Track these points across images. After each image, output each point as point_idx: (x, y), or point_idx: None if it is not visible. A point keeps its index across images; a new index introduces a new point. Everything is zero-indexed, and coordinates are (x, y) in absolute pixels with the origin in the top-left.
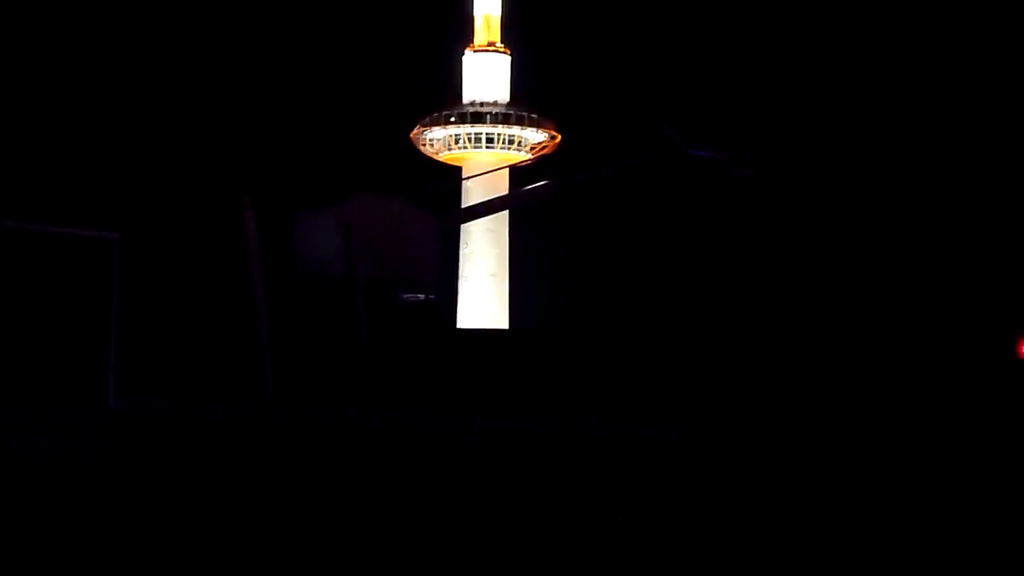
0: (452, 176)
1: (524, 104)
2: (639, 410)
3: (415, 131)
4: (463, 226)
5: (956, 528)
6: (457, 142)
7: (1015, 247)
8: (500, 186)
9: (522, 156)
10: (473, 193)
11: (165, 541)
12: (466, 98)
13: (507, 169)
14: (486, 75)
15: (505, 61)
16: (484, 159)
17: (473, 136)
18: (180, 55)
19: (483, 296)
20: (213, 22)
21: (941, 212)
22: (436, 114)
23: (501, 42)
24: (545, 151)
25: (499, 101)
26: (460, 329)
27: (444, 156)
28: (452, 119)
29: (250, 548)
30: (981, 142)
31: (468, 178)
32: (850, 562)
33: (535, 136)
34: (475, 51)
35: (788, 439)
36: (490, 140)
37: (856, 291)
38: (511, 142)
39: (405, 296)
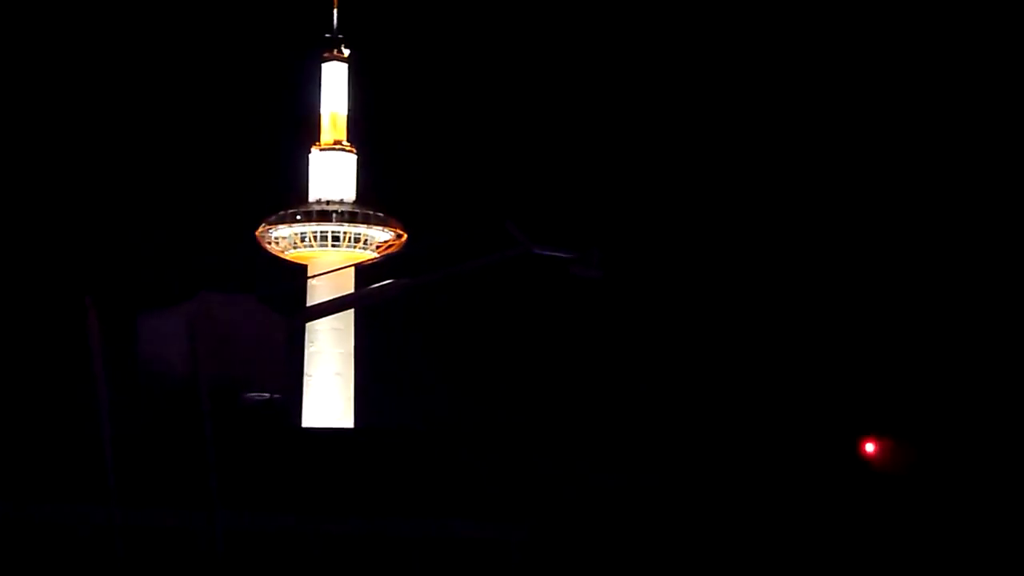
0: (298, 275)
1: (371, 203)
2: (483, 509)
3: (261, 229)
4: (308, 325)
5: None
6: (303, 240)
7: (859, 359)
8: (346, 285)
9: (368, 255)
10: (319, 292)
11: None
12: (312, 196)
13: (353, 268)
14: (332, 173)
15: (351, 160)
16: (330, 258)
17: (319, 235)
18: (20, 147)
19: (329, 395)
20: (54, 110)
21: (794, 315)
22: (282, 212)
23: (347, 141)
24: (391, 249)
25: (345, 199)
26: (305, 429)
27: (290, 254)
28: (298, 217)
29: None
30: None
31: (313, 276)
32: None
33: (381, 235)
34: (321, 149)
35: (638, 537)
36: (336, 239)
37: (708, 393)
38: (357, 240)
39: (250, 396)
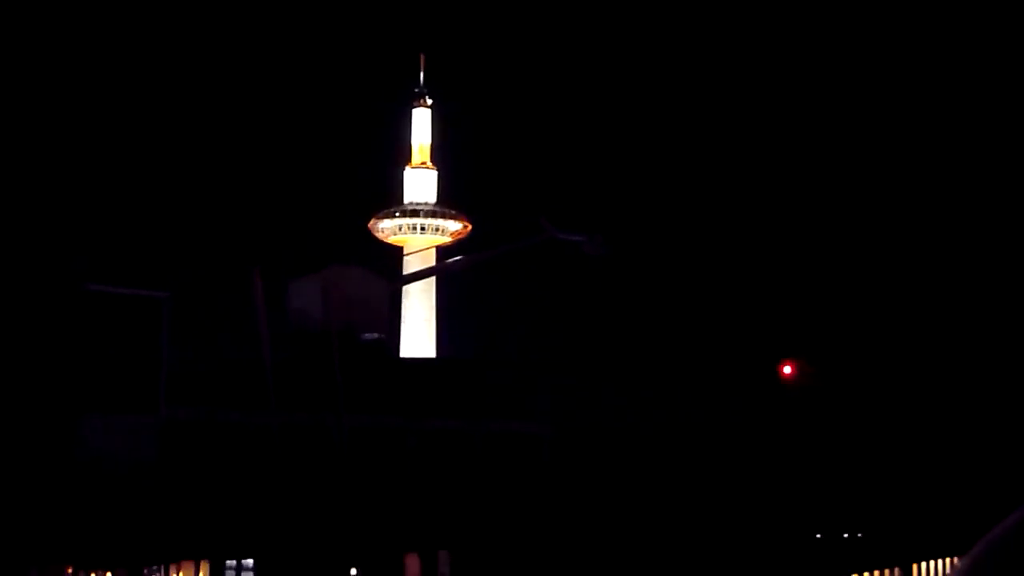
0: (396, 253)
1: (446, 203)
2: (524, 414)
3: (371, 222)
4: (404, 287)
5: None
6: (400, 230)
7: (778, 295)
8: (430, 260)
9: (444, 239)
10: (411, 264)
11: (204, 507)
12: (406, 199)
13: (434, 248)
14: (420, 184)
15: (433, 175)
16: (418, 242)
17: (410, 226)
18: (209, 174)
19: (419, 335)
20: (240, 155)
21: (726, 267)
22: (386, 210)
23: (431, 161)
24: (460, 236)
25: (429, 202)
26: (403, 358)
27: (391, 239)
28: (396, 214)
29: (262, 514)
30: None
31: (408, 254)
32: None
33: (453, 225)
34: (412, 168)
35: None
36: (422, 228)
37: (664, 335)
38: (437, 230)
39: (365, 336)
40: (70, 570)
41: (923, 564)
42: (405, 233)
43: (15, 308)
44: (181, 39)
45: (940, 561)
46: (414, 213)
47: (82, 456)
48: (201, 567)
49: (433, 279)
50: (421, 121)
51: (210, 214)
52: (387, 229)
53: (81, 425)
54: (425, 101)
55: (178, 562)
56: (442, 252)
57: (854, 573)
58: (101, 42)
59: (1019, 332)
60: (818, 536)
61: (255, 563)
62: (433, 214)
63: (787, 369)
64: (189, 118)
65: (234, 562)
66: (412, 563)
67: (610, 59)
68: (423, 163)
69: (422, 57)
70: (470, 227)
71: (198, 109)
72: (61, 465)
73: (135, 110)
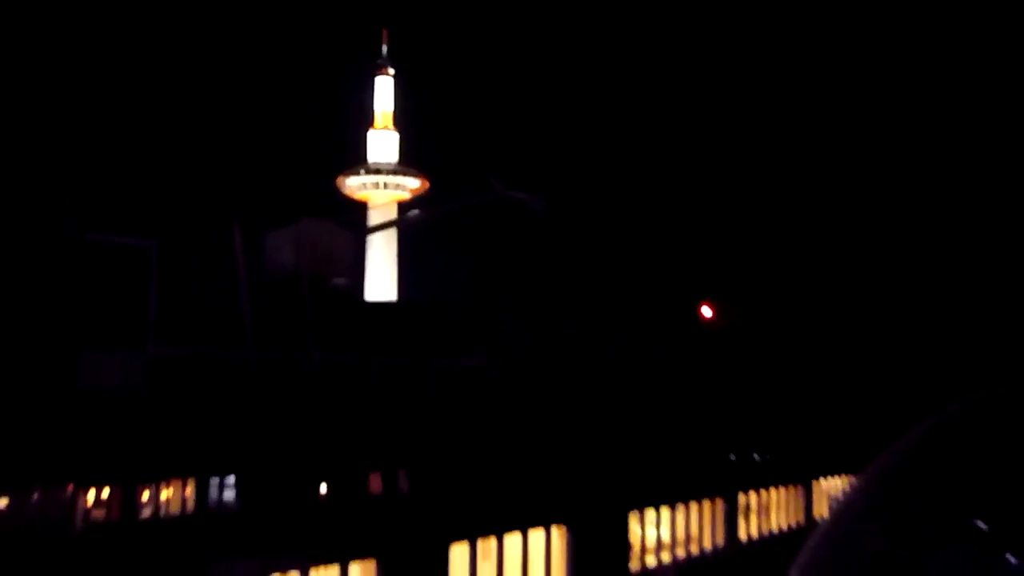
0: (361, 207)
1: (406, 163)
2: (469, 349)
3: (338, 179)
4: (368, 237)
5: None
6: (364, 186)
7: (699, 237)
8: (391, 214)
9: (404, 195)
10: (374, 217)
11: (190, 431)
12: (370, 159)
13: (396, 203)
14: (383, 146)
15: (395, 137)
16: (381, 197)
17: (373, 183)
18: (198, 144)
19: (381, 281)
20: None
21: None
22: (352, 169)
23: (393, 125)
24: (419, 192)
25: (391, 161)
26: (366, 302)
27: (357, 195)
28: (361, 172)
29: (241, 437)
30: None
31: (372, 208)
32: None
33: (412, 183)
34: (376, 130)
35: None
36: (385, 185)
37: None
38: (397, 187)
39: (333, 282)
40: (71, 487)
41: (821, 480)
42: (369, 189)
43: (17, 259)
44: (161, 7)
45: (835, 478)
46: (377, 171)
47: (79, 388)
48: (188, 484)
49: (395, 230)
50: (384, 89)
51: (196, 172)
52: (352, 186)
53: (78, 360)
54: (387, 70)
55: (168, 479)
56: (403, 207)
57: (762, 488)
58: (83, 5)
59: (918, 270)
60: (732, 457)
61: (236, 480)
62: (395, 172)
63: (706, 310)
64: (176, 81)
65: (218, 479)
66: (375, 480)
67: (561, 30)
68: (386, 127)
69: (384, 31)
70: (428, 185)
71: (183, 72)
72: (61, 396)
73: (124, 70)
